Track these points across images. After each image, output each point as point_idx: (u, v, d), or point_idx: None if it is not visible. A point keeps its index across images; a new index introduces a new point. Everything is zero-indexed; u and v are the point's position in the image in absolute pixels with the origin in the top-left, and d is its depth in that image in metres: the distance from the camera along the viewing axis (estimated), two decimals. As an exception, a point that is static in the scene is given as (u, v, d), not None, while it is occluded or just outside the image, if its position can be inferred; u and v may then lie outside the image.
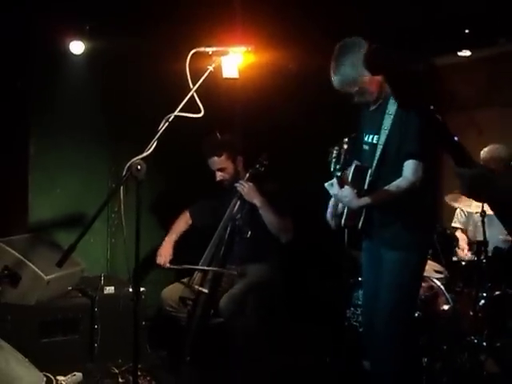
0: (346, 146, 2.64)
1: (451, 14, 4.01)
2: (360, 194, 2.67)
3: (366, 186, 2.72)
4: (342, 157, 2.63)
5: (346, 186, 2.63)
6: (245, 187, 3.59)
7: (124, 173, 2.34)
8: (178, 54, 2.75)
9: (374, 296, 2.83)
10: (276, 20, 3.76)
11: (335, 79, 2.68)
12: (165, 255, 3.74)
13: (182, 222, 3.93)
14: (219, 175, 3.76)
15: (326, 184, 2.76)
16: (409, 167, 2.66)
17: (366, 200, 2.66)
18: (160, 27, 3.78)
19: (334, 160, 2.62)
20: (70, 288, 3.67)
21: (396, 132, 2.69)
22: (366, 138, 2.86)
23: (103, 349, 3.53)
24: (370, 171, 2.75)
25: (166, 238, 3.84)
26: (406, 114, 2.64)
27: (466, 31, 4.20)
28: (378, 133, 2.76)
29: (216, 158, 3.73)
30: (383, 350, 2.77)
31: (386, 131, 2.70)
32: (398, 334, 2.74)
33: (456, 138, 1.64)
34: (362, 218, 2.75)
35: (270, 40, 3.58)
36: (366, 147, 2.86)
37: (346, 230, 2.92)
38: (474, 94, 4.82)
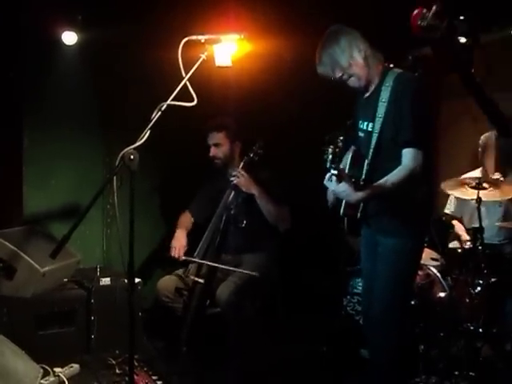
0: (340, 144, 2.61)
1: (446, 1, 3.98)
2: (358, 183, 2.66)
3: (363, 176, 2.72)
4: (338, 155, 2.58)
5: (343, 182, 2.60)
6: (241, 179, 3.58)
7: (117, 163, 2.32)
8: (171, 43, 2.72)
9: (371, 284, 2.85)
10: (270, 8, 3.73)
11: (318, 68, 2.74)
12: (179, 247, 3.71)
13: (186, 219, 3.91)
14: (213, 150, 3.75)
15: (325, 181, 2.72)
16: (408, 155, 2.65)
17: (364, 194, 2.64)
18: (152, 16, 3.76)
19: (329, 159, 2.58)
20: (65, 280, 3.67)
21: (390, 119, 2.67)
22: (361, 126, 2.86)
23: (100, 340, 3.54)
24: (366, 161, 2.75)
25: (178, 231, 3.80)
26: (399, 101, 2.64)
27: (461, 18, 4.17)
28: (372, 120, 2.74)
29: (215, 133, 3.76)
30: (380, 337, 2.78)
31: (381, 119, 2.69)
32: (394, 320, 2.75)
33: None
34: (360, 208, 2.76)
35: (265, 28, 3.56)
36: (361, 134, 2.86)
37: (346, 218, 2.91)
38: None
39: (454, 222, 4.17)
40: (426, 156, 2.66)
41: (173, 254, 3.70)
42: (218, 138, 3.77)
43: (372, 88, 2.79)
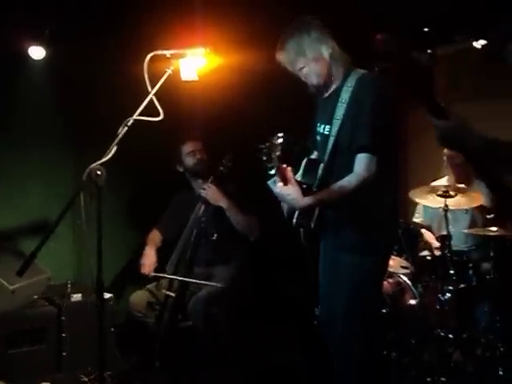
0: (279, 141, 2.39)
1: (410, 13, 4.07)
2: (311, 189, 2.50)
3: (317, 181, 2.54)
4: (274, 154, 2.41)
5: (290, 185, 2.42)
6: (208, 191, 3.59)
7: (83, 179, 2.33)
8: (139, 58, 2.73)
9: (328, 297, 2.73)
10: (238, 21, 3.76)
11: (281, 54, 2.59)
12: (149, 264, 3.72)
13: (155, 236, 3.92)
14: (199, 155, 3.80)
15: (268, 182, 2.55)
16: (361, 161, 2.46)
17: (311, 199, 2.45)
18: (120, 31, 3.75)
19: (264, 158, 2.42)
20: (35, 297, 3.62)
21: (348, 121, 2.50)
22: (318, 129, 2.68)
23: (72, 357, 3.49)
24: (322, 165, 2.57)
25: (147, 248, 3.82)
26: (360, 103, 2.49)
27: (425, 30, 4.25)
28: (330, 123, 2.57)
29: (195, 142, 3.84)
30: (346, 354, 2.62)
31: (339, 121, 2.51)
32: (358, 336, 2.58)
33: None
34: (315, 217, 2.54)
35: (232, 42, 3.58)
36: (318, 138, 2.69)
37: (302, 229, 2.69)
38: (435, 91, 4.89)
39: (423, 231, 4.23)
40: (384, 163, 2.48)
41: (142, 271, 3.70)
42: (200, 145, 3.85)
43: (332, 88, 2.63)
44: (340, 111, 2.52)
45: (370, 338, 2.63)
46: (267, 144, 2.42)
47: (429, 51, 1.68)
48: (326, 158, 2.56)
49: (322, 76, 2.58)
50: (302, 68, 2.57)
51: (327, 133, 2.58)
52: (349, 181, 2.47)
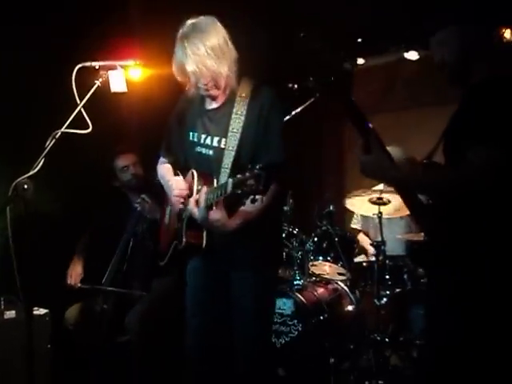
0: (261, 174, 2.06)
1: (344, 25, 4.18)
2: (211, 207, 2.33)
3: (215, 198, 2.33)
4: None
5: (217, 209, 2.27)
6: (145, 205, 3.54)
7: (10, 193, 2.28)
8: (70, 70, 2.69)
9: (208, 312, 2.64)
10: (170, 33, 3.76)
11: (190, 59, 2.31)
12: (75, 276, 3.65)
13: (84, 245, 3.84)
14: (133, 169, 3.72)
15: (190, 206, 2.40)
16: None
17: (237, 222, 2.33)
18: (49, 41, 3.69)
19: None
20: (-35, 315, 3.50)
21: (250, 136, 2.39)
22: (202, 140, 2.51)
23: (5, 378, 3.37)
24: (215, 180, 2.41)
25: (74, 258, 3.75)
26: (263, 118, 2.38)
27: (359, 40, 4.38)
28: (224, 135, 2.41)
29: (129, 154, 3.75)
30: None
31: (237, 134, 2.37)
32: (264, 353, 2.59)
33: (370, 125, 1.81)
34: (204, 236, 2.42)
35: (164, 53, 3.58)
36: (204, 151, 2.51)
37: (174, 246, 2.53)
38: (370, 100, 5.03)
39: (360, 237, 4.33)
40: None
41: (68, 283, 3.64)
42: (133, 158, 3.75)
43: (222, 98, 2.48)
44: (237, 124, 2.38)
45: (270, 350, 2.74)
46: (250, 178, 2.10)
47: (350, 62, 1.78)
48: (222, 172, 2.41)
49: (220, 90, 2.43)
50: (208, 83, 2.37)
51: (223, 146, 2.43)
52: (267, 197, 2.31)
